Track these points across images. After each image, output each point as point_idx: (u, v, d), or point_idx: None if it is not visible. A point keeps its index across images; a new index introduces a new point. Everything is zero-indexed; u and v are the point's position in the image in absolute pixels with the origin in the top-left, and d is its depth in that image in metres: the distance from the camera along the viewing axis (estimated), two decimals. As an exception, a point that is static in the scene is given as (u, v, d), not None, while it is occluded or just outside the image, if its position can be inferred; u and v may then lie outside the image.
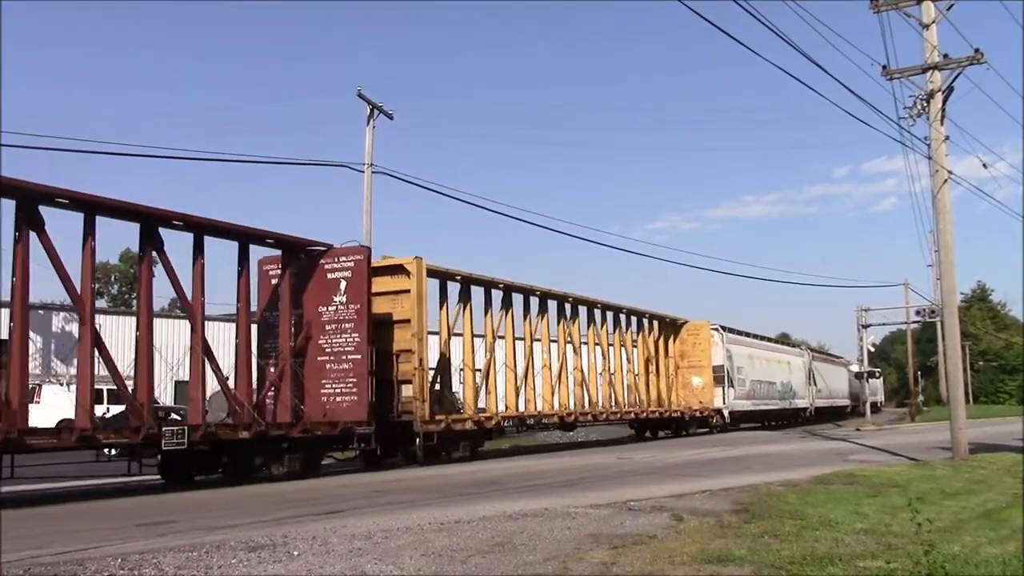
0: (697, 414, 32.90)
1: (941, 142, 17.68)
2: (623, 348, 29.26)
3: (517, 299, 23.84)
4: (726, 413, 34.42)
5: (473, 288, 22.18)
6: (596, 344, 27.66)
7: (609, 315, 28.91)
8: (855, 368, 62.39)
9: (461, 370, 21.80)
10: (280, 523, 8.90)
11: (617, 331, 29.17)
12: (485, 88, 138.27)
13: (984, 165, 24.10)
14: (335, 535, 7.83)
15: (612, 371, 28.02)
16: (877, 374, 67.08)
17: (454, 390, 21.48)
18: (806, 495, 10.63)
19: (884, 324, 55.00)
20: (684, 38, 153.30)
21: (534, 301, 24.65)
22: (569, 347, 26.06)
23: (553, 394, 25.02)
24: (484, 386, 22.08)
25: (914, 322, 51.92)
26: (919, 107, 17.77)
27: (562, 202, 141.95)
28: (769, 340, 43.80)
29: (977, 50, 17.49)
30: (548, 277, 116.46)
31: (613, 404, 27.86)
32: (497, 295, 23.04)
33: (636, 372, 30.20)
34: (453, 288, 21.81)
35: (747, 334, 40.08)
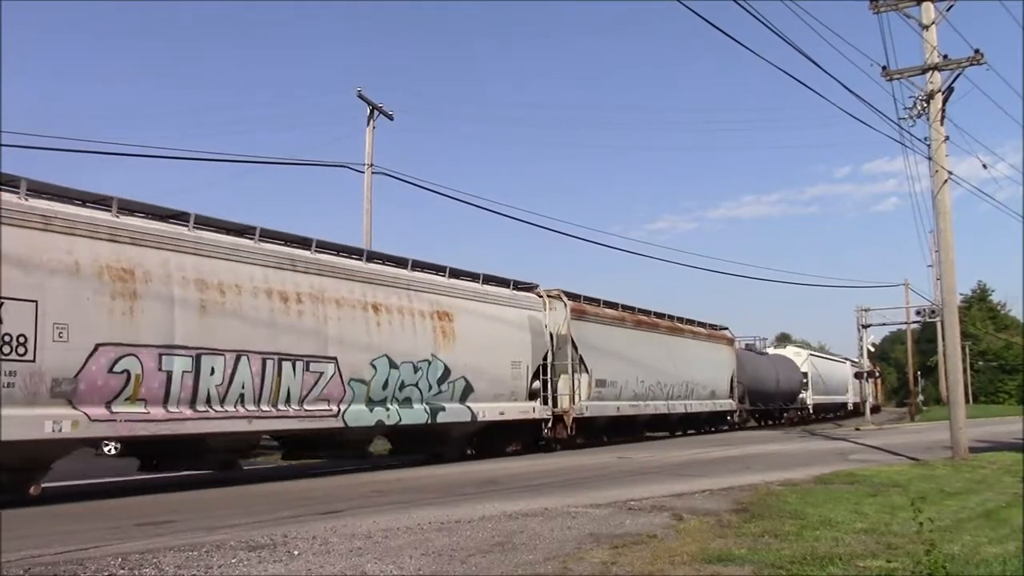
0: None
1: (941, 142, 17.68)
2: None
3: None
4: None
5: None
6: None
7: None
8: (800, 359, 45.69)
9: None
10: (280, 523, 8.89)
11: None
12: (485, 88, 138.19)
13: (984, 166, 24.16)
14: (335, 535, 7.83)
15: None
16: (878, 374, 62.75)
17: None
18: (806, 495, 10.63)
19: (884, 324, 54.23)
20: (684, 38, 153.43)
21: None
22: None
23: None
24: None
25: (914, 322, 51.75)
26: (919, 108, 17.77)
27: (563, 202, 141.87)
28: (375, 258, 17.52)
29: (977, 51, 17.50)
30: (550, 278, 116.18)
31: None
32: None
33: None
34: None
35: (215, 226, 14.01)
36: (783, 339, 64.85)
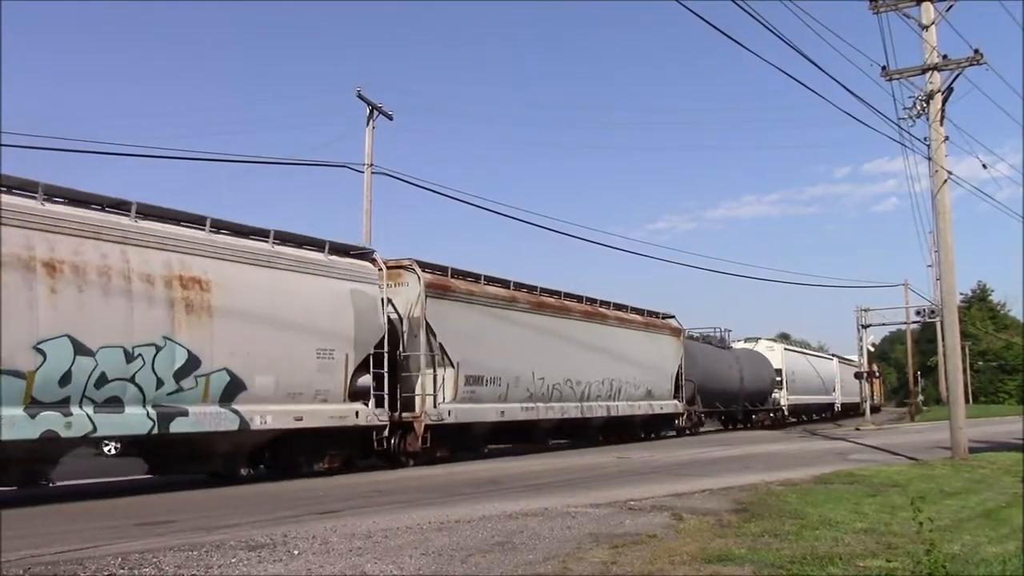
0: None
1: (941, 143, 17.69)
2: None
3: None
4: None
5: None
6: None
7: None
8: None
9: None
10: (280, 522, 8.89)
11: None
12: (485, 88, 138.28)
13: (984, 166, 24.17)
14: (335, 534, 7.83)
15: None
16: (878, 374, 61.64)
17: None
18: (806, 494, 10.63)
19: (884, 324, 54.00)
20: (683, 38, 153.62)
21: None
22: None
23: None
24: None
25: (914, 322, 51.68)
26: (919, 108, 17.77)
27: (563, 202, 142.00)
28: None
29: (977, 51, 17.50)
30: (548, 277, 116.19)
31: None
32: None
33: None
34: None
35: None
36: (783, 339, 64.57)
